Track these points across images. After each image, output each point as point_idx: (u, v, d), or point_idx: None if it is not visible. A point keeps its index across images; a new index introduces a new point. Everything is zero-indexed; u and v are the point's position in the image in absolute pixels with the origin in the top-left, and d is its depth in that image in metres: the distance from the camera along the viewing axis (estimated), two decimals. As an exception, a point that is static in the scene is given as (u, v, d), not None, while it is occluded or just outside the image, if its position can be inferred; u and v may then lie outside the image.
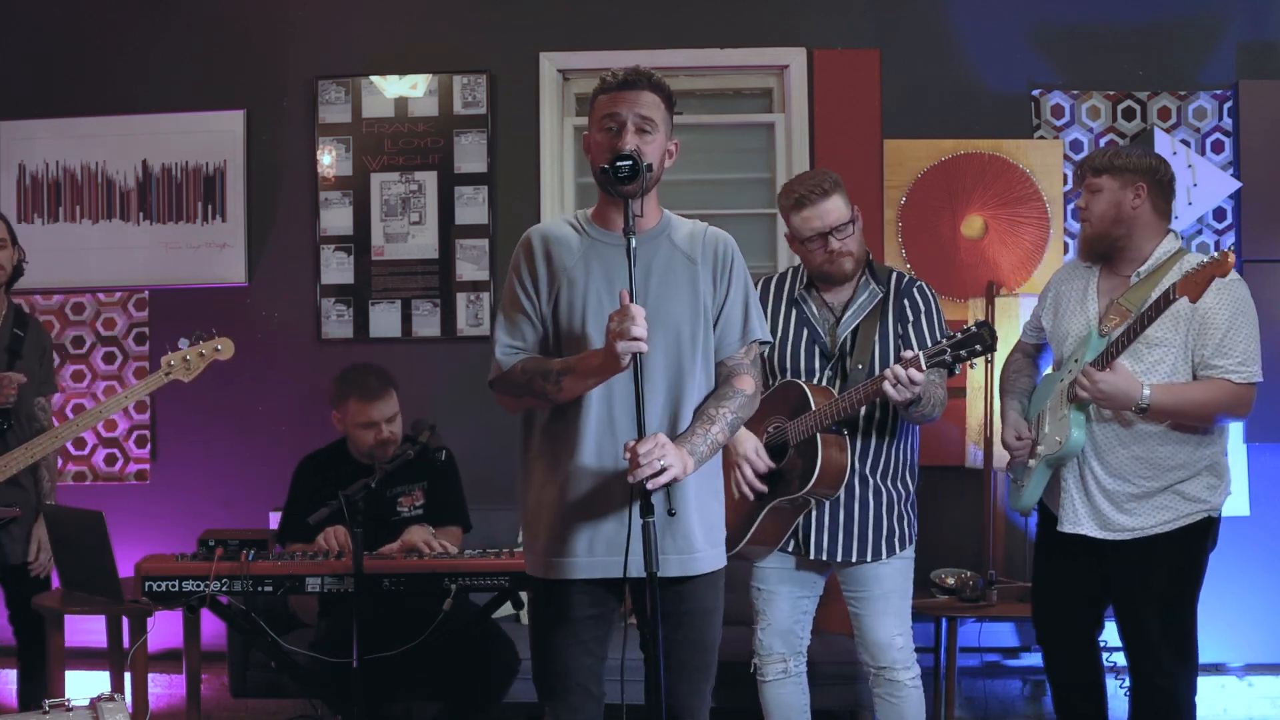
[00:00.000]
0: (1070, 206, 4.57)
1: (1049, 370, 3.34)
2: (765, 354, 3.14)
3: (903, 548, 3.18)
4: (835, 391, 3.11)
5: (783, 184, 3.26)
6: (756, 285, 2.89)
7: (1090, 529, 3.13)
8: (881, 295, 3.18)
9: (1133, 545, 3.10)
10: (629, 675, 2.54)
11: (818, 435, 3.04)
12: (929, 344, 3.10)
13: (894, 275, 3.24)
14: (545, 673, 2.57)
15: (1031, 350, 3.45)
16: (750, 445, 3.11)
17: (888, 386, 2.88)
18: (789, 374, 3.21)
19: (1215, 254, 2.81)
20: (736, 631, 3.32)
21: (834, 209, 3.10)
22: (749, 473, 3.09)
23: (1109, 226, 3.11)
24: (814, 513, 3.14)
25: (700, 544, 2.53)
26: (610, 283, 2.50)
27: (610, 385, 2.45)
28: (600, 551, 2.49)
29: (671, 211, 2.66)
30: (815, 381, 3.17)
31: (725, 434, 2.51)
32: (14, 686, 4.17)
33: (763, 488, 3.10)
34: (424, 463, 3.76)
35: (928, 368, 2.88)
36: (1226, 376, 2.98)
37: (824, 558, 3.15)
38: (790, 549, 3.20)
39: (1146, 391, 2.96)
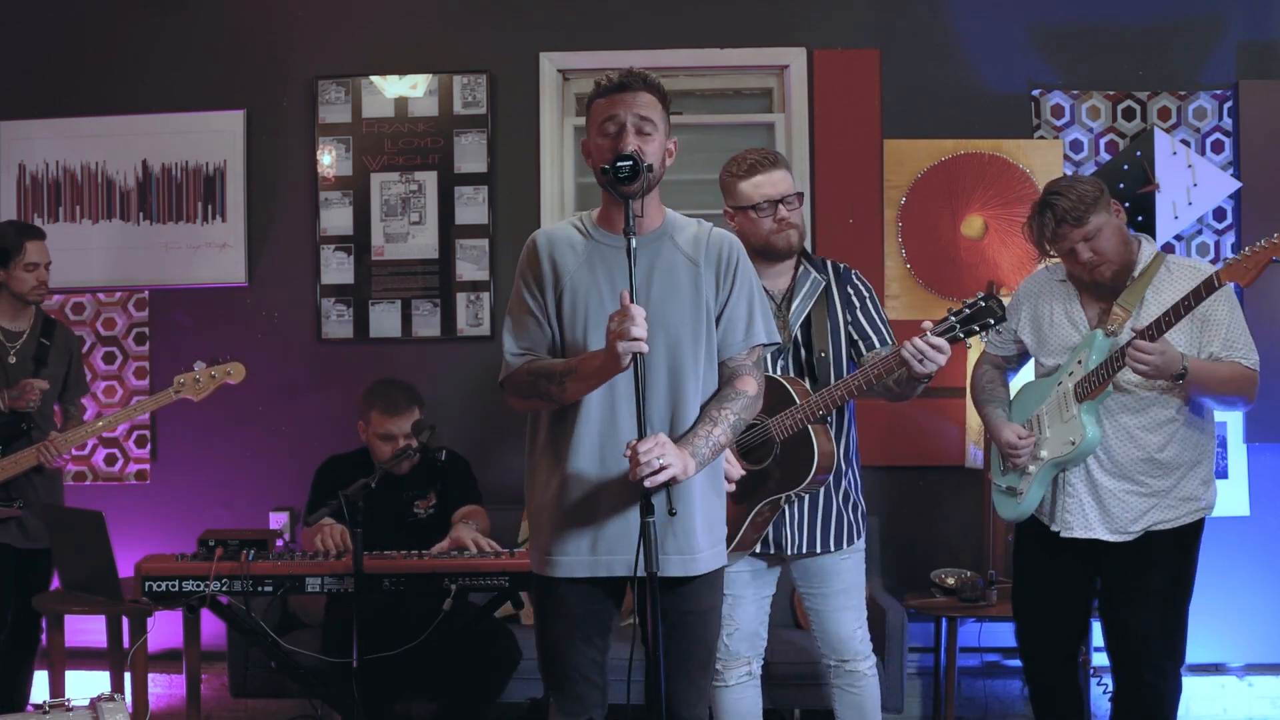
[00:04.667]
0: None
1: (1032, 379, 3.37)
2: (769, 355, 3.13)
3: (858, 538, 3.19)
4: (806, 383, 3.09)
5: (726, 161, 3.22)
6: None
7: (1102, 533, 3.18)
8: (824, 283, 3.19)
9: (1132, 543, 3.16)
10: (632, 675, 2.54)
11: (809, 426, 3.02)
12: (881, 329, 3.17)
13: (829, 263, 3.26)
14: (549, 666, 2.61)
15: (1000, 362, 3.49)
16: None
17: (911, 360, 2.80)
18: None
19: (1265, 241, 2.91)
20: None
21: (784, 179, 3.13)
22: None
23: (1126, 253, 3.17)
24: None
25: (702, 544, 2.54)
26: (612, 284, 2.50)
27: (612, 386, 2.46)
28: (599, 551, 2.50)
29: (673, 211, 2.65)
30: (771, 372, 3.11)
31: (728, 435, 2.53)
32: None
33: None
34: (435, 468, 3.83)
35: None
36: (1241, 361, 3.12)
37: (789, 551, 3.12)
38: (759, 550, 3.17)
39: (1186, 361, 3.03)
